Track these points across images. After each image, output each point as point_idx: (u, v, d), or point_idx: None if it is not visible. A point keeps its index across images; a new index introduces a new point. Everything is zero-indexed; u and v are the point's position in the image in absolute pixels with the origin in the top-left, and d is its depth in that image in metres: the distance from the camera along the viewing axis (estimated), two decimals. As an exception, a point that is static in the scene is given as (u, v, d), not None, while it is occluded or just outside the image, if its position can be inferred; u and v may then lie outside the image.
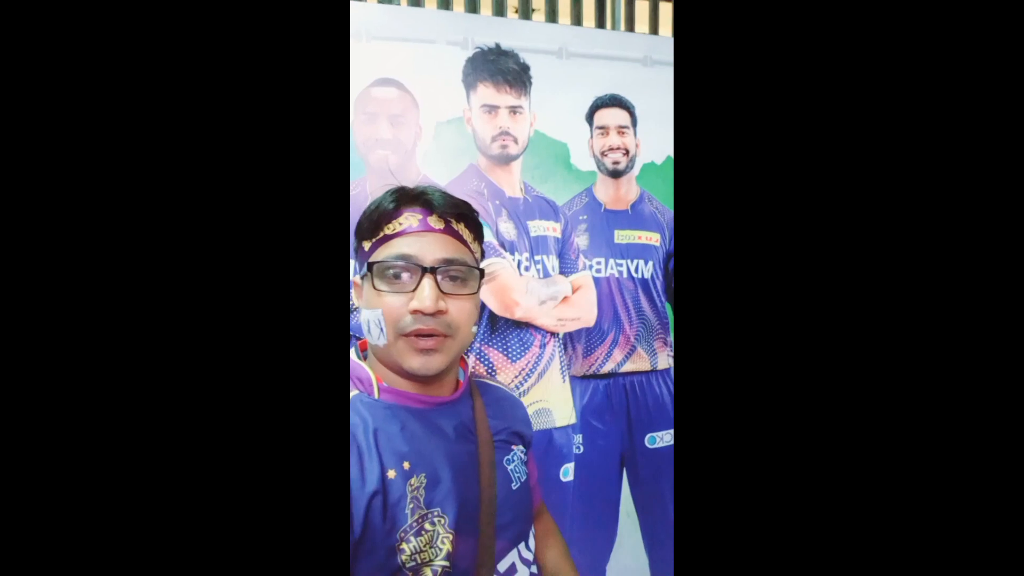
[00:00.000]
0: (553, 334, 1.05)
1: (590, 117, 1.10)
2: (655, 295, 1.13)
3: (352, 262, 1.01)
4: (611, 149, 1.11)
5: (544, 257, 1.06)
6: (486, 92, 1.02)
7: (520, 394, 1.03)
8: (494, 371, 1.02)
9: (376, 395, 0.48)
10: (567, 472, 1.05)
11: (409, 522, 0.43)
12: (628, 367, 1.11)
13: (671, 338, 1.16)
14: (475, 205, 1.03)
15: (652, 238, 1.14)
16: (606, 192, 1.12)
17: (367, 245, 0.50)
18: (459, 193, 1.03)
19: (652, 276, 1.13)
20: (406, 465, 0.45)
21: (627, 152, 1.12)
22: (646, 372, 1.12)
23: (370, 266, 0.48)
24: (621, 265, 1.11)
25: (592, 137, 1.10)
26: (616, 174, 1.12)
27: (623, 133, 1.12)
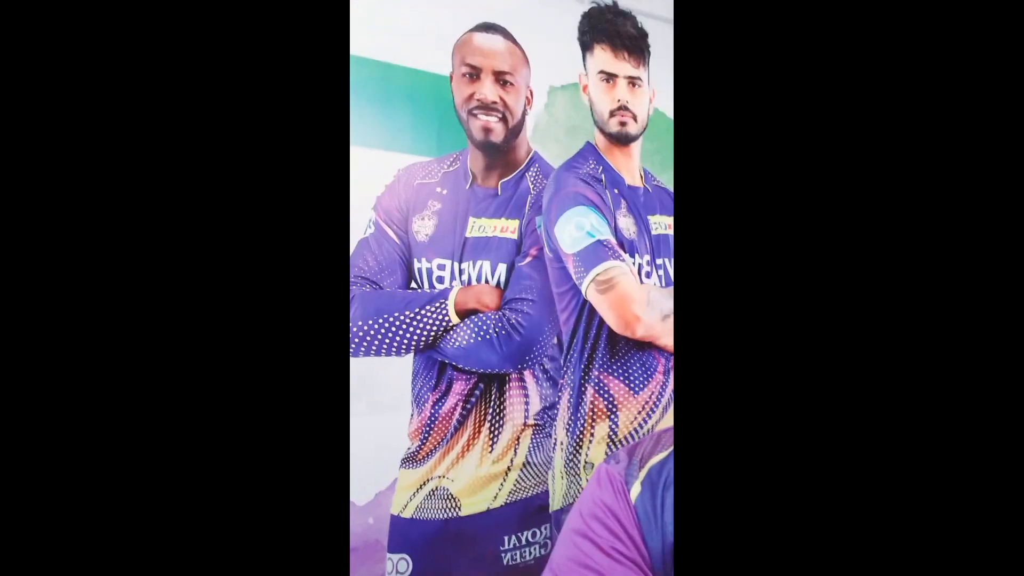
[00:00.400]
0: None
1: (707, 100, 0.94)
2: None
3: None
4: (729, 138, 0.95)
5: (666, 261, 0.86)
6: (603, 57, 0.82)
7: (645, 433, 0.81)
8: (615, 406, 0.80)
9: None
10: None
11: None
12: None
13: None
14: (590, 195, 0.83)
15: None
16: (726, 187, 0.95)
17: None
18: (573, 176, 0.82)
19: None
20: None
21: (745, 143, 0.96)
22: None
23: None
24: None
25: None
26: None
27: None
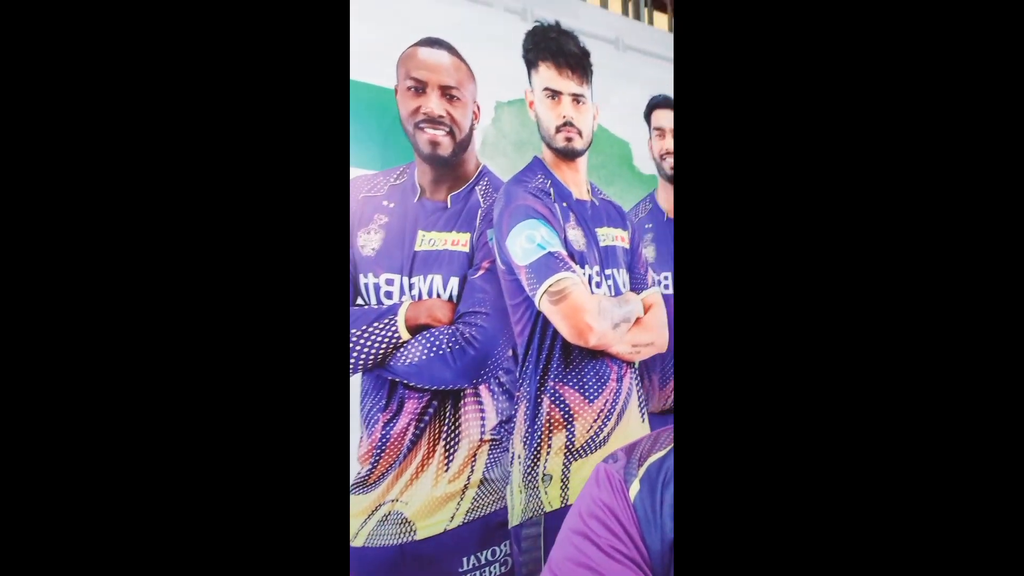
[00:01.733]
0: (629, 364, 0.87)
1: (647, 117, 0.99)
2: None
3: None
4: (669, 153, 1.00)
5: (614, 271, 0.89)
6: (548, 74, 0.85)
7: (600, 443, 0.82)
8: (571, 416, 0.80)
9: None
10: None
11: None
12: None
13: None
14: (540, 208, 0.84)
15: (713, 252, 1.04)
16: (668, 199, 1.00)
17: None
18: (522, 190, 0.83)
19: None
20: None
21: (684, 158, 1.02)
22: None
23: None
24: (686, 281, 0.99)
25: (651, 138, 0.99)
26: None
27: (678, 137, 1.02)
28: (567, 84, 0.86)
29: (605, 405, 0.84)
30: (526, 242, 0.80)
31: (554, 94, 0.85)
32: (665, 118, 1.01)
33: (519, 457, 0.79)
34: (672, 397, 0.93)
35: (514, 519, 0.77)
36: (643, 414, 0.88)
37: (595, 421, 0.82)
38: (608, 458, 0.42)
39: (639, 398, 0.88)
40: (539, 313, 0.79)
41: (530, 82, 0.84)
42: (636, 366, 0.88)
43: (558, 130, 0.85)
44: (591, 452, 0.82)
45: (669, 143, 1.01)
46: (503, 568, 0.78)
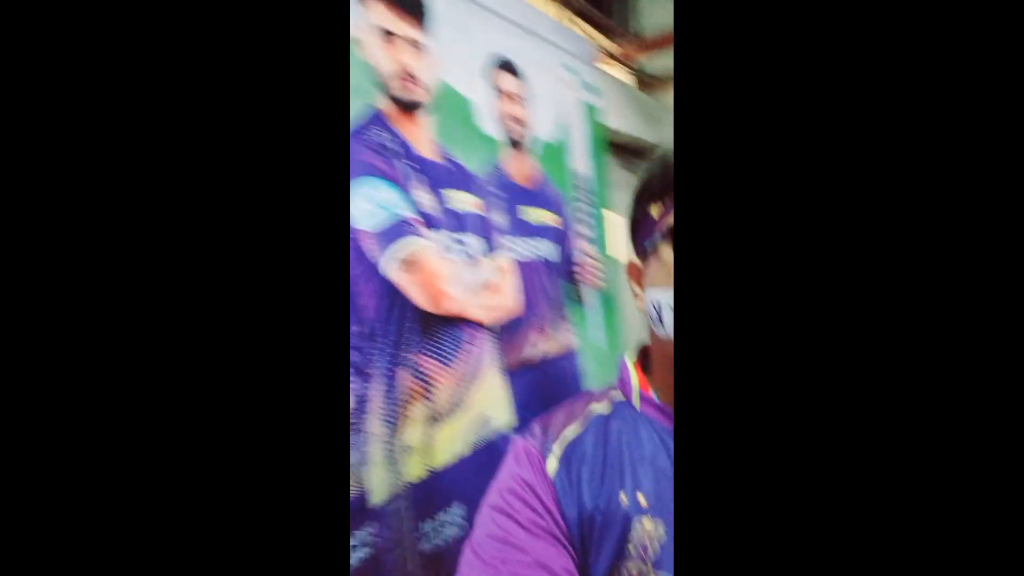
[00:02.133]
0: (483, 326, 0.89)
1: (489, 77, 0.97)
2: (556, 276, 1.11)
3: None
4: (511, 117, 1.02)
5: (466, 236, 0.88)
6: (382, 13, 0.75)
7: (460, 404, 0.83)
8: (430, 384, 0.78)
9: (637, 406, 0.41)
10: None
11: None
12: (546, 349, 1.06)
13: (568, 315, 1.17)
14: (383, 165, 0.76)
15: (554, 219, 1.11)
16: (514, 165, 1.02)
17: (657, 210, 0.39)
18: (360, 145, 0.73)
19: (555, 257, 1.11)
20: (642, 501, 0.36)
21: (526, 124, 1.05)
22: (563, 353, 1.09)
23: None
24: (531, 245, 1.04)
25: (494, 100, 0.98)
26: (517, 145, 1.03)
27: (520, 103, 1.04)
28: (403, 28, 0.78)
29: (465, 368, 0.84)
30: (369, 204, 0.72)
31: (388, 35, 0.76)
32: (506, 82, 1.01)
33: (377, 436, 0.74)
34: (522, 352, 1.00)
35: (376, 498, 0.73)
36: (499, 373, 0.92)
37: (456, 386, 0.82)
38: (525, 433, 0.42)
39: (495, 358, 0.92)
40: (387, 282, 0.73)
41: (360, 19, 0.72)
42: (490, 328, 0.91)
43: (395, 77, 0.77)
44: (452, 415, 0.82)
45: (510, 107, 1.02)
46: (371, 551, 0.74)
